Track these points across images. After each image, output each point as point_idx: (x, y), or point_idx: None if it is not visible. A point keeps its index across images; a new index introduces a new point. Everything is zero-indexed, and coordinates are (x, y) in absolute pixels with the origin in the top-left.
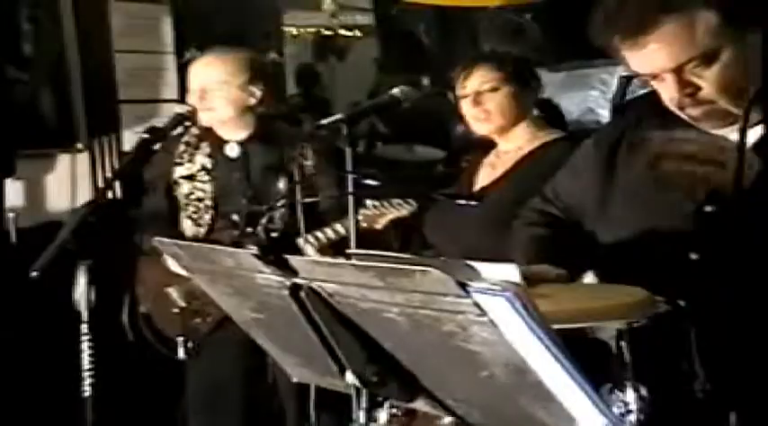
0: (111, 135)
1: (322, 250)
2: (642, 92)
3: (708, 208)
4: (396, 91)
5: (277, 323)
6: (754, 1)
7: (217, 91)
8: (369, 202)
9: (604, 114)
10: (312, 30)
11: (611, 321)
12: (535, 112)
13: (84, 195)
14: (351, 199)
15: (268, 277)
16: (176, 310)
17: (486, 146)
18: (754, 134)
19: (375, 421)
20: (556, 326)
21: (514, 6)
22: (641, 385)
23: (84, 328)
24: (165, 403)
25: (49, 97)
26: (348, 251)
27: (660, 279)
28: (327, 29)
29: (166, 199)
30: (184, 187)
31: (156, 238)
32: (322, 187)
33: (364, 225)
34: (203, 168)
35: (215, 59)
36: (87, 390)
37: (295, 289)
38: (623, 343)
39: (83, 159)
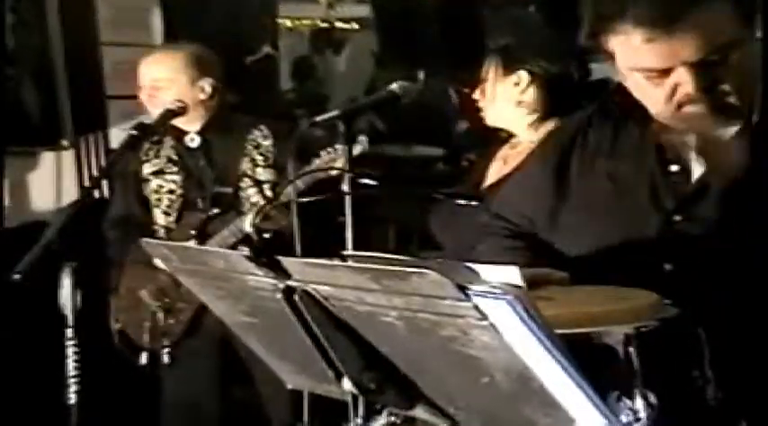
0: (97, 132)
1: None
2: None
3: (677, 218)
4: (394, 86)
5: (270, 328)
6: None
7: (165, 87)
8: (323, 152)
9: None
10: (308, 22)
11: (619, 325)
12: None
13: (70, 194)
14: (347, 199)
15: (260, 279)
16: (149, 314)
17: (494, 140)
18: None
19: None
20: (559, 331)
21: None
22: (650, 392)
23: (70, 333)
24: (154, 411)
25: (33, 92)
26: (344, 252)
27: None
28: (324, 21)
29: (137, 199)
30: (153, 183)
31: (145, 240)
32: (283, 165)
33: (321, 174)
34: (170, 160)
35: (163, 56)
36: (72, 398)
37: (289, 292)
38: (631, 349)
39: (68, 157)
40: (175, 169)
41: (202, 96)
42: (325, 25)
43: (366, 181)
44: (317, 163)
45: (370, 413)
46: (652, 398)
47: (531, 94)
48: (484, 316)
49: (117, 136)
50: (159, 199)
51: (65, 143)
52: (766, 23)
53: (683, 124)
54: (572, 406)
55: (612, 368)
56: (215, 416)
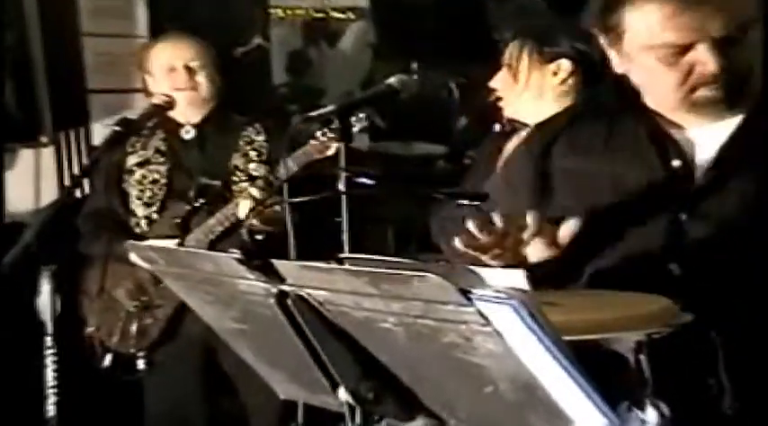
0: (78, 127)
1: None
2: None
3: (683, 216)
4: (393, 80)
5: (262, 335)
6: None
7: (200, 69)
8: (318, 133)
9: None
10: (301, 11)
11: (629, 332)
12: None
13: (50, 194)
14: (344, 198)
15: (252, 283)
16: (123, 315)
17: (499, 134)
18: (726, 127)
19: None
20: (567, 337)
21: None
22: (662, 402)
23: (49, 341)
24: (137, 424)
25: (10, 86)
26: (340, 254)
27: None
28: (318, 11)
29: (117, 192)
30: (138, 173)
31: (129, 242)
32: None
33: (316, 155)
34: (157, 151)
35: (186, 42)
36: (51, 410)
37: (282, 297)
38: (642, 357)
39: (47, 154)
40: (162, 160)
41: (214, 88)
42: (319, 15)
43: (363, 179)
44: (311, 144)
45: (368, 425)
46: (664, 408)
47: (570, 85)
48: (487, 322)
49: (99, 132)
50: (142, 190)
51: (44, 139)
52: (766, 23)
53: (694, 110)
54: (580, 417)
55: (623, 377)
56: None
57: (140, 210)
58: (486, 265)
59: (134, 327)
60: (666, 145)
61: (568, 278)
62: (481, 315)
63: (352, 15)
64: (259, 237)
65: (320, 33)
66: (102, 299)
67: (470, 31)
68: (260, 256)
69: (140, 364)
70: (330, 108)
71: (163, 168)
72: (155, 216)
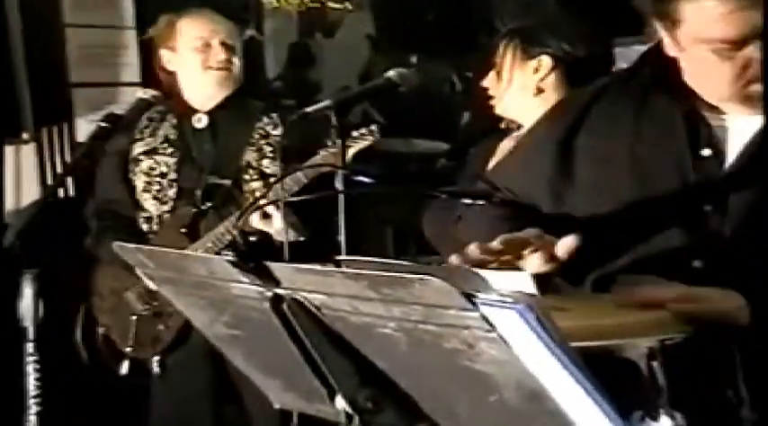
0: (61, 123)
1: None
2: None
3: (708, 208)
4: (392, 74)
5: (256, 341)
6: None
7: (233, 47)
8: (321, 151)
9: None
10: (296, 1)
11: (641, 338)
12: None
13: (32, 193)
14: (341, 198)
15: (246, 287)
16: (134, 319)
17: (498, 132)
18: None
19: None
20: (576, 344)
21: None
22: (677, 412)
23: (30, 347)
24: None
25: None
26: (338, 257)
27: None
28: (314, 1)
29: (122, 183)
30: (144, 164)
31: (117, 243)
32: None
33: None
34: (166, 139)
35: (220, 17)
36: (32, 420)
37: (277, 301)
38: (655, 364)
39: (29, 151)
40: (170, 150)
41: (237, 69)
42: (315, 5)
43: (362, 178)
44: (324, 154)
45: None
46: (679, 419)
47: (551, 82)
48: (492, 327)
49: (83, 128)
50: (149, 183)
51: (25, 136)
52: (766, 23)
53: (746, 103)
54: None
55: (635, 386)
56: None
57: (149, 205)
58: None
59: (147, 332)
60: (699, 131)
61: (581, 278)
62: (485, 320)
63: (349, 6)
64: (253, 239)
65: (316, 24)
66: (113, 300)
67: (474, 22)
68: (254, 258)
69: (155, 369)
70: (326, 103)
71: (171, 160)
72: (166, 216)
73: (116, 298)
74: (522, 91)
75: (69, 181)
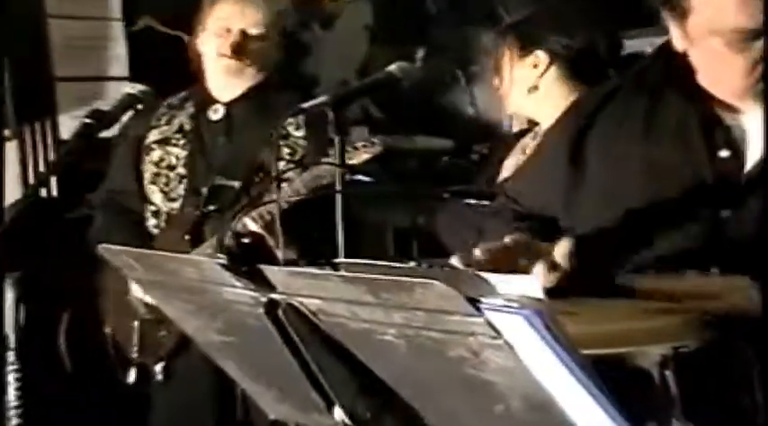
0: (44, 119)
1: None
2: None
3: (725, 213)
4: (392, 67)
5: (250, 349)
6: None
7: (258, 39)
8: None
9: None
10: None
11: (654, 345)
12: None
13: (13, 193)
14: (339, 197)
15: (239, 292)
16: (137, 323)
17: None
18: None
19: None
20: (586, 351)
21: None
22: (691, 422)
23: (11, 356)
24: None
25: None
26: (335, 260)
27: None
28: None
29: (134, 173)
30: (155, 153)
31: (102, 245)
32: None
33: (326, 181)
34: (180, 129)
35: (257, 3)
36: None
37: (271, 307)
38: (668, 372)
39: (10, 149)
40: (182, 142)
41: (274, 58)
42: None
43: (361, 177)
44: (326, 167)
45: None
46: None
47: (551, 77)
48: (498, 334)
49: (68, 124)
50: (158, 174)
51: (6, 133)
52: (766, 23)
53: (760, 99)
54: None
55: (647, 395)
56: None
57: (157, 199)
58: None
59: (151, 337)
60: (716, 131)
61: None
62: (491, 326)
63: None
64: (246, 240)
65: (313, 15)
66: (117, 301)
67: (478, 13)
68: (247, 261)
69: (158, 376)
70: (324, 98)
71: (182, 153)
72: (174, 213)
73: (119, 301)
74: (524, 89)
75: (53, 180)
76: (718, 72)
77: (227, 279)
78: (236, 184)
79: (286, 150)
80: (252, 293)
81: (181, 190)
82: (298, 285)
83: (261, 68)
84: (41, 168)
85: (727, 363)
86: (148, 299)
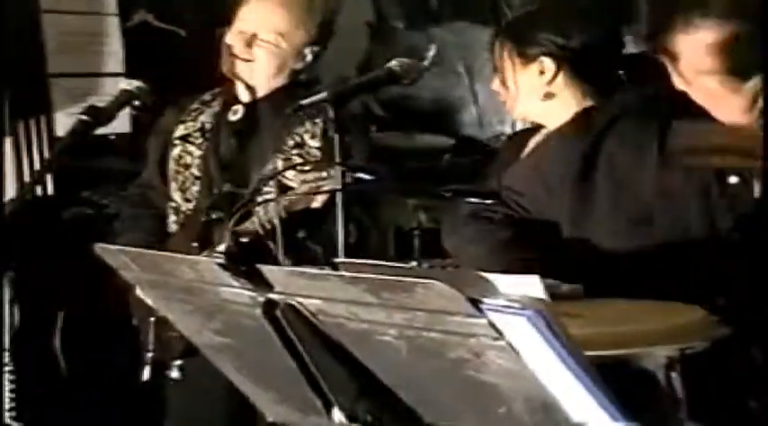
0: (39, 116)
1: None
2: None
3: (735, 236)
4: (394, 64)
5: (248, 350)
6: None
7: (265, 42)
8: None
9: None
10: None
11: (659, 346)
12: None
13: (8, 191)
14: (339, 196)
15: (237, 292)
16: (153, 320)
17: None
18: None
19: None
20: (589, 353)
21: None
22: (697, 424)
23: (6, 356)
24: None
25: None
26: (335, 259)
27: None
28: None
29: (159, 167)
30: (177, 150)
31: (98, 245)
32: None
33: (301, 205)
34: (201, 127)
35: (280, 5)
36: None
37: (270, 307)
38: (674, 374)
39: (6, 147)
40: (200, 141)
41: (299, 65)
42: None
43: (361, 175)
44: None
45: None
46: None
47: (561, 82)
48: (500, 335)
49: (63, 121)
50: (177, 171)
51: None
52: (766, 23)
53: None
54: None
55: (652, 397)
56: None
57: (177, 196)
58: None
59: (166, 336)
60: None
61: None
62: (493, 327)
63: None
64: (244, 240)
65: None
66: (136, 298)
67: (482, 9)
68: (245, 261)
69: (174, 374)
70: (323, 95)
71: (197, 152)
72: (189, 212)
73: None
74: (532, 97)
75: (48, 178)
76: (718, 110)
77: (224, 278)
78: (245, 192)
79: (298, 160)
80: (250, 293)
81: (195, 191)
82: (296, 285)
83: (277, 73)
84: (37, 165)
85: (734, 364)
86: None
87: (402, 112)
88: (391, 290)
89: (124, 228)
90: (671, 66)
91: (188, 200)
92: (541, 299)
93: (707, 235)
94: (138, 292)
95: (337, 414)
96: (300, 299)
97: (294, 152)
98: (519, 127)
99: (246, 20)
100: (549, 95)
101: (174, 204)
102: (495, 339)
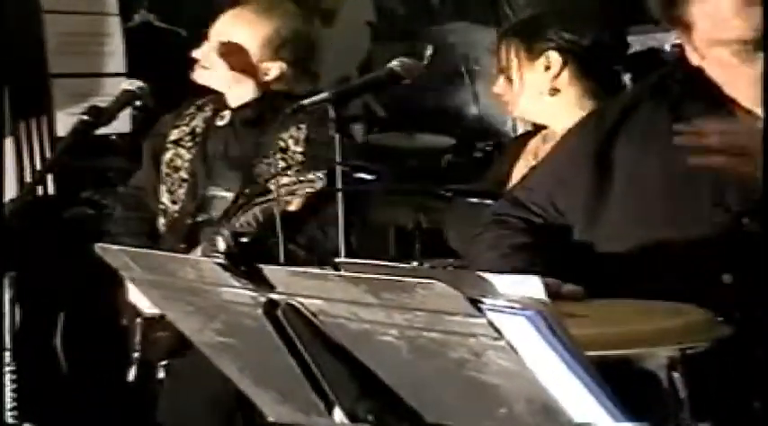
0: (40, 116)
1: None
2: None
3: (745, 220)
4: (395, 64)
5: (249, 350)
6: None
7: (222, 53)
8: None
9: None
10: None
11: (661, 346)
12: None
13: (9, 191)
14: (340, 196)
15: (238, 292)
16: (140, 320)
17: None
18: None
19: None
20: (590, 353)
21: None
22: (700, 425)
23: (7, 356)
24: None
25: None
26: (336, 260)
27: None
28: None
29: (153, 170)
30: (169, 153)
31: (99, 245)
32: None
33: (272, 209)
34: (192, 132)
35: (247, 14)
36: None
37: (271, 307)
38: (676, 374)
39: (6, 146)
40: (189, 144)
41: (265, 77)
42: None
43: (362, 175)
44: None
45: None
46: None
47: (566, 78)
48: (500, 335)
49: (64, 121)
50: (168, 174)
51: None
52: (766, 23)
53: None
54: None
55: (654, 398)
56: None
57: (165, 199)
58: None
59: (153, 336)
60: None
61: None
62: (493, 327)
63: None
64: (245, 240)
65: (314, 11)
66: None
67: (482, 8)
68: (246, 261)
69: (160, 374)
70: (324, 95)
71: (187, 155)
72: (175, 215)
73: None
74: (537, 93)
75: (49, 178)
76: (732, 82)
77: (225, 279)
78: (229, 195)
79: (282, 164)
80: (251, 293)
81: (182, 194)
82: (298, 285)
83: (237, 82)
84: (38, 166)
85: (736, 364)
86: (143, 306)
87: (403, 112)
88: (392, 290)
89: (116, 230)
90: (685, 38)
91: (175, 203)
92: (542, 300)
93: (715, 219)
94: (129, 294)
95: (338, 414)
96: (301, 300)
97: (278, 156)
98: (519, 126)
99: (214, 30)
100: (554, 91)
101: (162, 206)
102: (496, 339)
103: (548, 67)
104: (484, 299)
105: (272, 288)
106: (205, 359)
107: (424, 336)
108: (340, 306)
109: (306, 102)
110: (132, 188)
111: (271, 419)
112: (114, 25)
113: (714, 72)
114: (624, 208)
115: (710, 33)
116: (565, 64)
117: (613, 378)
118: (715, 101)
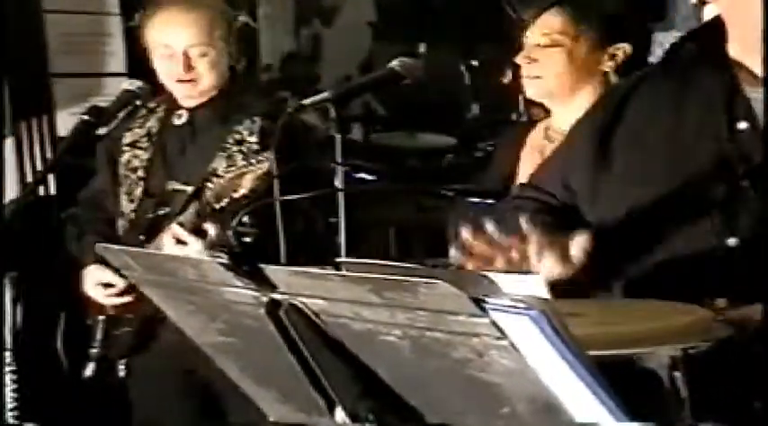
0: (41, 116)
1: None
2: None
3: (744, 183)
4: (395, 63)
5: (251, 349)
6: None
7: (202, 56)
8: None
9: None
10: None
11: (663, 346)
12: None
13: (10, 191)
14: (341, 196)
15: (240, 292)
16: (102, 318)
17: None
18: None
19: None
20: (593, 352)
21: None
22: (701, 425)
23: (8, 356)
24: None
25: None
26: (338, 259)
27: (676, 277)
28: None
29: (110, 172)
30: (125, 156)
31: (102, 245)
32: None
33: (221, 196)
34: (147, 133)
35: (185, 15)
36: None
37: (273, 307)
38: (678, 374)
39: (7, 147)
40: (146, 145)
41: (229, 63)
42: None
43: (363, 175)
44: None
45: None
46: None
47: (589, 58)
48: (503, 335)
49: (65, 121)
50: (125, 176)
51: (3, 130)
52: (766, 23)
53: None
54: None
55: (656, 397)
56: None
57: (123, 200)
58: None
59: (114, 332)
60: (736, 103)
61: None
62: (496, 326)
63: None
64: (247, 240)
65: (314, 10)
66: (88, 295)
67: (483, 7)
68: (248, 261)
69: (121, 372)
70: (325, 94)
71: (145, 156)
72: (132, 216)
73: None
74: (586, 79)
75: (51, 178)
76: (739, 17)
77: (227, 278)
78: (189, 189)
79: (239, 156)
80: (253, 293)
81: (138, 192)
82: (300, 285)
83: (218, 78)
84: (39, 166)
85: (738, 364)
86: (103, 298)
87: (404, 112)
88: (394, 290)
89: (81, 231)
90: None
91: (131, 202)
92: (545, 299)
93: (717, 182)
94: (87, 288)
95: (340, 414)
96: (304, 299)
97: (235, 148)
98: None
99: (168, 37)
100: (606, 78)
101: (120, 209)
102: (499, 338)
103: (613, 56)
104: (487, 299)
105: (274, 287)
106: (169, 353)
107: (426, 336)
108: (342, 305)
109: (306, 101)
110: (91, 190)
111: (272, 418)
112: (115, 25)
113: (725, 9)
114: (624, 182)
115: None
116: (629, 57)
117: (615, 378)
118: (722, 65)
